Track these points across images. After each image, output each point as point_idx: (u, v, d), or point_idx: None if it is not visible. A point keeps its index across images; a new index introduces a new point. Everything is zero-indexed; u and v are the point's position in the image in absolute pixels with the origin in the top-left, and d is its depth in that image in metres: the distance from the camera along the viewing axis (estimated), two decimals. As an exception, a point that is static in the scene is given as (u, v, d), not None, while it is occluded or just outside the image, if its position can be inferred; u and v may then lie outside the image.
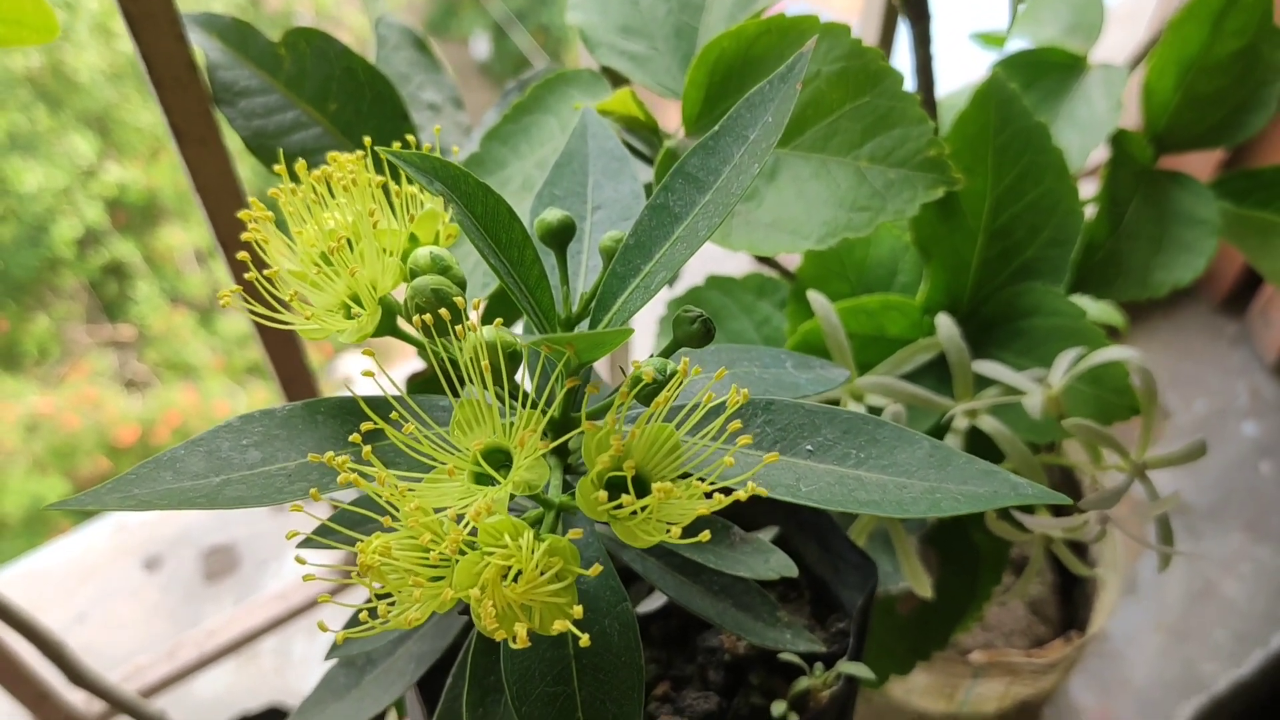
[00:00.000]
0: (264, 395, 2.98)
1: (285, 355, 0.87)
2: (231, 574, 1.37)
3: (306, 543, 0.44)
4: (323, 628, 0.41)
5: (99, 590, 1.37)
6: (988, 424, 0.69)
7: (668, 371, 0.43)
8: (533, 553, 0.37)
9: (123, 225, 3.09)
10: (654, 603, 0.63)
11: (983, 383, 0.73)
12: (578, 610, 0.38)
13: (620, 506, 0.38)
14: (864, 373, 0.74)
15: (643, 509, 0.38)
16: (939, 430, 0.72)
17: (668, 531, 0.38)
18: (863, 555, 0.59)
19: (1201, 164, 1.41)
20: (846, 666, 0.55)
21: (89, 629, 1.32)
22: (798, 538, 0.64)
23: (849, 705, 0.59)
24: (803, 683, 0.56)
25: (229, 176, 0.73)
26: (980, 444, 0.71)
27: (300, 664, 1.28)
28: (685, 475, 0.40)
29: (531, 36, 4.02)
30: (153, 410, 2.87)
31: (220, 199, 0.74)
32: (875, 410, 0.71)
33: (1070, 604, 1.10)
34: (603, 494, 0.38)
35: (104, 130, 3.06)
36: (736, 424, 0.40)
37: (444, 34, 4.19)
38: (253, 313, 0.45)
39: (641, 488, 0.40)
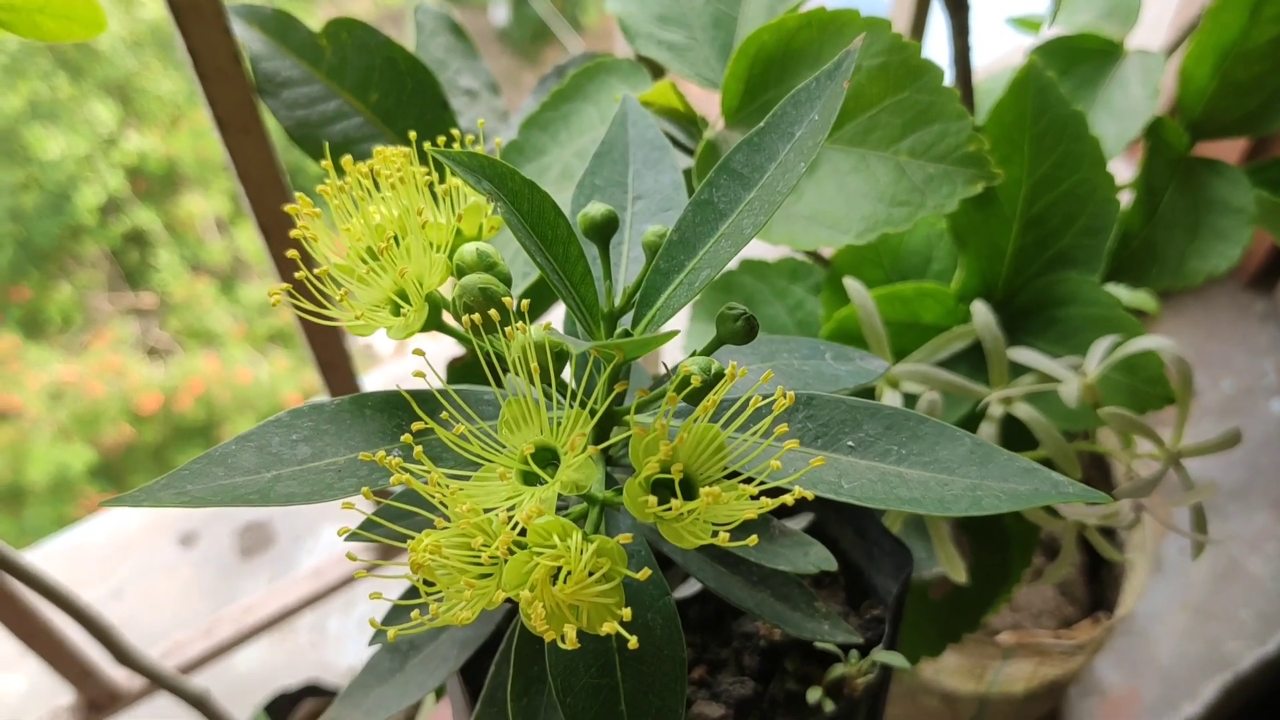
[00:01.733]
0: (286, 363, 2.98)
1: (325, 341, 0.88)
2: (266, 550, 1.39)
3: (353, 536, 0.45)
4: (375, 625, 0.41)
5: (135, 566, 1.38)
6: (1023, 411, 0.69)
7: (713, 371, 0.43)
8: (581, 553, 0.37)
9: (143, 193, 3.09)
10: (691, 587, 0.63)
11: (1017, 370, 0.73)
12: (626, 612, 0.38)
13: (669, 509, 0.38)
14: (899, 359, 0.75)
15: (690, 512, 0.38)
16: (974, 417, 0.72)
17: (715, 535, 0.38)
18: (898, 543, 0.60)
19: (1228, 151, 1.40)
20: (882, 655, 0.56)
21: (126, 605, 1.34)
22: (834, 523, 0.64)
23: (883, 691, 0.59)
24: (838, 670, 0.56)
25: (271, 166, 0.74)
26: (1015, 431, 0.71)
27: (336, 640, 1.29)
28: (731, 475, 0.40)
29: (550, 2, 3.99)
30: (175, 378, 2.87)
31: (263, 188, 0.75)
32: (911, 397, 0.71)
33: (1098, 584, 1.10)
34: (652, 498, 0.38)
35: (124, 98, 3.06)
36: (783, 428, 0.40)
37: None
38: (300, 309, 0.45)
39: (687, 488, 0.40)
